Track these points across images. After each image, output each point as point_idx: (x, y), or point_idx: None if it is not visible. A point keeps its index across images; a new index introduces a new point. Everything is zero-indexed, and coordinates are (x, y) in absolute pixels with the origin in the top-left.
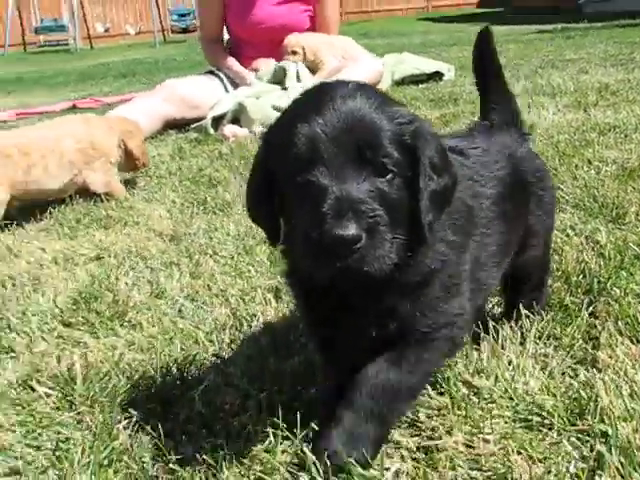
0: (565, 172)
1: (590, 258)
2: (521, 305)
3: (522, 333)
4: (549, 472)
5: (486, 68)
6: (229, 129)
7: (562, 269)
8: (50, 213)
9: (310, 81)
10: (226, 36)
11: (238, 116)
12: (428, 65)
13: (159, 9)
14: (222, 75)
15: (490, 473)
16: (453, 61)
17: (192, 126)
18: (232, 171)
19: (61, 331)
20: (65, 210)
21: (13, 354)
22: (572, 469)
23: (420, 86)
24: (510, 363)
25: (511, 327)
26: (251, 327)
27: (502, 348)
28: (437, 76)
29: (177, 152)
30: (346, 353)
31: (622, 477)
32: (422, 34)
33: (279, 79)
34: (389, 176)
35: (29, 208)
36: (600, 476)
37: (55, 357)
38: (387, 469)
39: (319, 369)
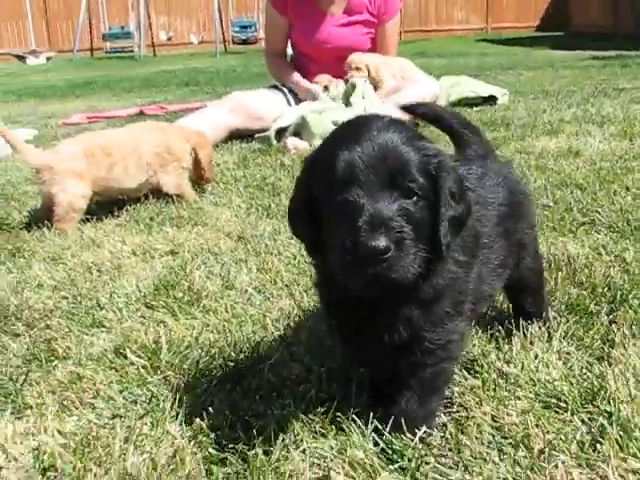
0: (604, 197)
1: (616, 273)
2: (528, 309)
3: (549, 333)
4: (559, 438)
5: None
6: (291, 141)
7: (590, 281)
8: (126, 210)
9: (373, 98)
10: (289, 51)
11: (300, 130)
12: (484, 88)
13: (222, 20)
14: (285, 90)
15: (511, 440)
16: (509, 85)
17: (256, 136)
18: (294, 181)
19: (144, 312)
20: (140, 208)
21: (104, 328)
22: (578, 436)
23: (474, 109)
24: (536, 357)
25: (539, 327)
26: (313, 317)
27: (530, 344)
28: (492, 100)
29: (242, 161)
30: (367, 358)
31: (620, 447)
32: (479, 56)
33: (348, 96)
34: (415, 198)
35: (107, 204)
36: (601, 444)
37: (143, 331)
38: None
39: None
